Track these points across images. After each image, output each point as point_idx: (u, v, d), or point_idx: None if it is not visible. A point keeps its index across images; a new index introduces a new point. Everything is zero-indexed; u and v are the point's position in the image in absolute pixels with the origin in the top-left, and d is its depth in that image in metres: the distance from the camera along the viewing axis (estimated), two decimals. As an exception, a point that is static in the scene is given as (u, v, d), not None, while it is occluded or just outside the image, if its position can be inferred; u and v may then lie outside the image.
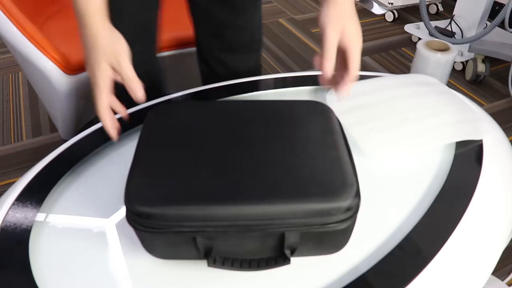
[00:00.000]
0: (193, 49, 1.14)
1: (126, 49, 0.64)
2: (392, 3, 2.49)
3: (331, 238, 0.55)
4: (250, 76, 1.02)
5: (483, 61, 1.96)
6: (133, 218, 0.52)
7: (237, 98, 0.90)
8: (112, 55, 0.62)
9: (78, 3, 0.63)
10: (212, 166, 0.56)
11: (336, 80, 0.71)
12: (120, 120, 0.83)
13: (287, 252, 0.54)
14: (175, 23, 1.31)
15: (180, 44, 1.38)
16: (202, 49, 1.11)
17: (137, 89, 0.63)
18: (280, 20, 2.49)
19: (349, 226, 0.54)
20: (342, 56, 0.69)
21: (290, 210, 0.51)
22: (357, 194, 0.54)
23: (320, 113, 0.66)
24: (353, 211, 0.53)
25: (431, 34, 2.13)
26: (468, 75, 2.01)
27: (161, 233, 0.52)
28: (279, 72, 2.02)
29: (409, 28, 2.30)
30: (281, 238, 0.53)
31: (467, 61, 2.03)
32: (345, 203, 0.52)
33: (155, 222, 0.51)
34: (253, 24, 1.06)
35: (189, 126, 0.63)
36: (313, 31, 2.39)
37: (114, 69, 0.63)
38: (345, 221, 0.53)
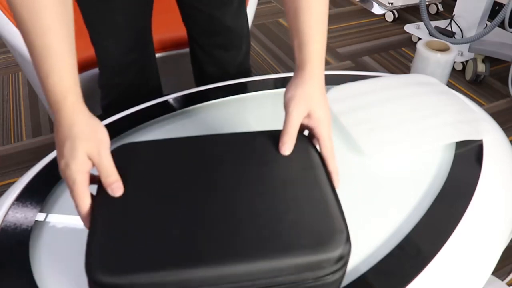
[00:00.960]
0: (187, 50, 1.15)
1: (107, 138, 0.53)
2: (392, 3, 2.49)
3: None
4: (240, 76, 1.03)
5: (483, 61, 1.95)
6: None
7: (236, 99, 0.90)
8: (93, 145, 0.51)
9: (47, 84, 0.52)
10: (184, 220, 0.49)
11: None
12: (119, 120, 0.83)
13: None
14: (169, 25, 1.31)
15: (174, 45, 1.38)
16: (193, 47, 1.12)
17: (115, 186, 0.51)
18: (280, 20, 2.49)
19: (341, 276, 0.49)
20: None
21: (277, 267, 0.46)
22: (348, 240, 0.48)
23: (297, 144, 0.58)
24: (344, 260, 0.48)
25: (431, 34, 2.13)
26: (468, 75, 2.01)
27: None
28: (279, 72, 2.02)
29: (409, 28, 2.30)
30: None
31: (467, 61, 2.03)
32: (335, 253, 0.47)
33: None
34: (241, 22, 1.07)
35: (154, 172, 0.55)
36: (313, 31, 2.39)
37: (91, 161, 0.52)
38: (337, 272, 0.48)
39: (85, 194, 0.50)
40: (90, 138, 0.51)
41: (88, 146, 0.51)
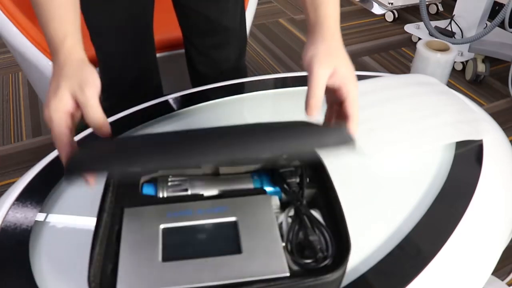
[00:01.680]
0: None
1: (97, 81, 0.50)
2: (392, 3, 2.49)
3: None
4: (236, 75, 1.02)
5: (483, 61, 1.96)
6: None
7: (237, 99, 0.90)
8: (76, 82, 0.48)
9: (47, 31, 0.52)
10: (182, 140, 0.49)
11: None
12: (119, 120, 0.83)
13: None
14: (170, 25, 1.31)
15: (174, 45, 1.38)
16: (188, 47, 1.12)
17: (104, 130, 0.49)
18: (280, 20, 2.49)
19: (341, 275, 0.49)
20: (332, 103, 0.59)
21: (280, 144, 0.46)
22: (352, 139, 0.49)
23: None
24: (344, 268, 0.48)
25: (431, 34, 2.13)
26: (468, 75, 2.01)
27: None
28: (279, 72, 2.02)
29: (409, 28, 2.30)
30: None
31: (467, 61, 2.03)
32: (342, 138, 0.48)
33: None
34: (238, 21, 1.07)
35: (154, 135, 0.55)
36: (313, 31, 2.39)
37: (76, 103, 0.49)
38: (336, 271, 0.48)
39: (63, 135, 0.47)
40: (74, 76, 0.48)
41: (71, 84, 0.48)
